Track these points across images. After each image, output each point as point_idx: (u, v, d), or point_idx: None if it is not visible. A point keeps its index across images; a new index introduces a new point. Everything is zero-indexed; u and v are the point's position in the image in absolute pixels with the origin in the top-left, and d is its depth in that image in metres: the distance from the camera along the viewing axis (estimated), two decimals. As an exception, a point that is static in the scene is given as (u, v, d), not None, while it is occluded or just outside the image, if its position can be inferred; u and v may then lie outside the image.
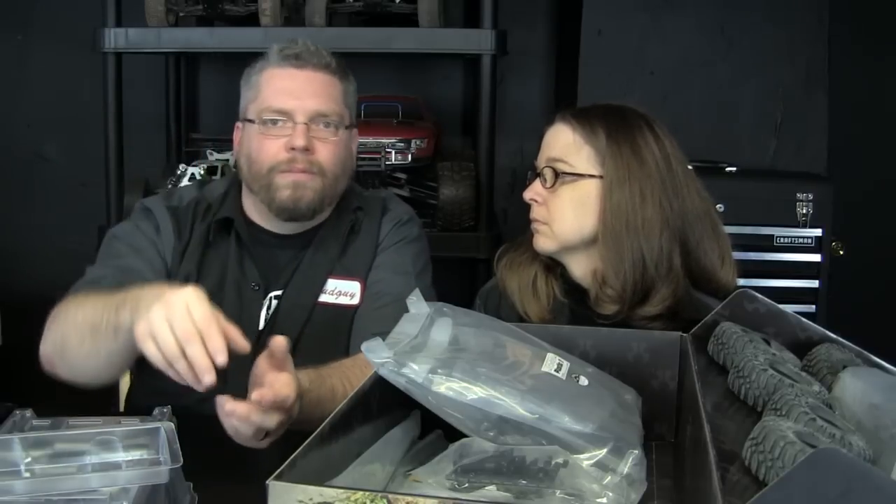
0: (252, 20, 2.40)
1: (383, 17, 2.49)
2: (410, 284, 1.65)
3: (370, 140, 2.38)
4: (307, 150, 1.61)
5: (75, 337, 1.39)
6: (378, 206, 1.76)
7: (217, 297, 1.62)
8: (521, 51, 2.79)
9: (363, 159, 2.37)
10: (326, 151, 1.64)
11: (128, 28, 2.38)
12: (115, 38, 2.37)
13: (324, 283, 1.67)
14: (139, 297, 1.28)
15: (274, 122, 1.63)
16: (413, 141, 2.41)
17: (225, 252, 1.68)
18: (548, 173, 1.56)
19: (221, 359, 1.20)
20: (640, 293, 1.52)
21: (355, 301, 1.68)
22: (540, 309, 1.59)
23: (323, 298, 1.67)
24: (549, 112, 2.97)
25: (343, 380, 1.45)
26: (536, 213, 1.57)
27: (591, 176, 1.54)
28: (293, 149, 1.61)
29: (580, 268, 1.60)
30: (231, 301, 1.64)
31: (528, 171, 1.64)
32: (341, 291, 1.68)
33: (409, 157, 2.41)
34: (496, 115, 2.43)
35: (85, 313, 1.39)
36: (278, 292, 1.67)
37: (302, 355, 1.48)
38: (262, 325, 1.65)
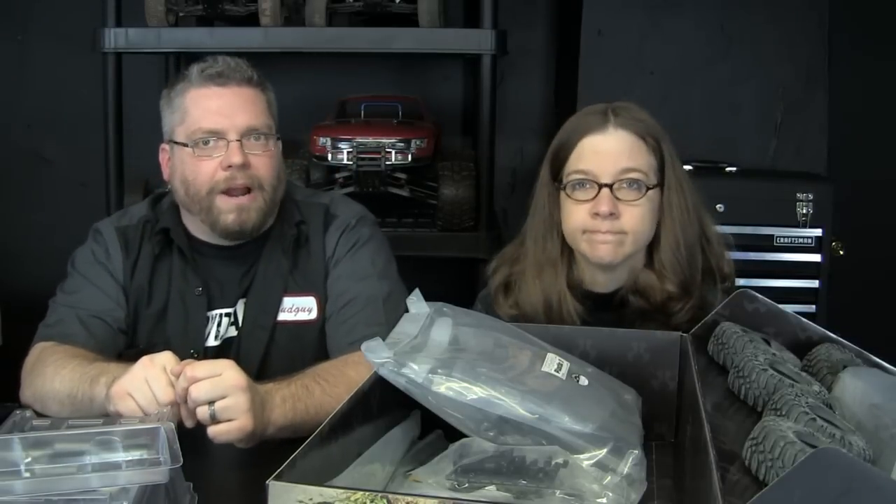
0: (252, 20, 2.40)
1: (383, 17, 2.49)
2: (375, 286, 1.68)
3: (370, 140, 2.38)
4: (244, 166, 1.61)
5: (55, 403, 1.48)
6: (320, 214, 1.74)
7: (165, 308, 1.67)
8: (521, 51, 2.79)
9: (363, 159, 2.37)
10: (263, 165, 1.64)
11: (128, 28, 2.38)
12: (115, 38, 2.37)
13: (280, 301, 1.67)
14: (111, 373, 1.39)
15: (206, 142, 1.62)
16: (413, 141, 2.40)
17: (170, 264, 1.69)
18: (633, 186, 1.52)
19: (189, 424, 1.32)
20: (694, 283, 1.55)
21: (314, 316, 1.68)
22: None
23: (282, 317, 1.67)
24: (550, 112, 2.98)
25: (317, 379, 1.47)
26: (612, 226, 1.51)
27: (657, 185, 1.55)
28: (230, 167, 1.61)
29: (608, 276, 1.59)
30: (177, 310, 1.67)
31: (558, 185, 1.57)
32: (299, 308, 1.68)
33: (409, 157, 2.40)
34: (496, 115, 2.43)
35: (62, 382, 1.47)
36: (227, 310, 1.68)
37: (269, 376, 1.51)
38: (213, 341, 1.66)
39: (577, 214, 1.54)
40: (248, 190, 1.63)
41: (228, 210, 1.63)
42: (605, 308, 1.59)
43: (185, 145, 1.63)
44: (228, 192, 1.62)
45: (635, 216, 1.52)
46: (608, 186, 1.51)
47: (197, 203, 1.64)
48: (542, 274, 1.59)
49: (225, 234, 1.66)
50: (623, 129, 1.54)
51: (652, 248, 1.57)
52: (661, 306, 1.55)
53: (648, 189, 1.52)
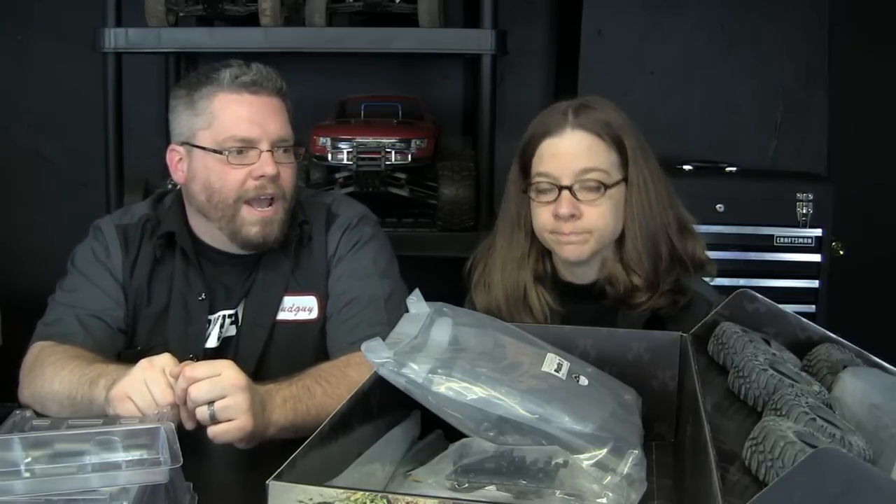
0: (252, 20, 2.40)
1: (383, 17, 2.49)
2: (376, 285, 1.68)
3: (370, 140, 2.38)
4: (275, 176, 1.61)
5: (54, 404, 1.48)
6: (322, 213, 1.74)
7: (165, 310, 1.67)
8: (521, 51, 2.79)
9: (363, 159, 2.37)
10: (288, 175, 1.65)
11: (128, 28, 2.38)
12: (115, 38, 2.37)
13: (280, 301, 1.67)
14: (111, 375, 1.39)
15: (239, 151, 1.61)
16: (413, 141, 2.40)
17: (171, 266, 1.69)
18: (591, 186, 1.54)
19: (189, 426, 1.32)
20: (658, 274, 1.57)
21: (314, 315, 1.68)
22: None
23: (282, 316, 1.67)
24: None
25: (318, 380, 1.47)
26: (574, 227, 1.54)
27: (621, 181, 1.57)
28: (262, 176, 1.60)
29: (581, 269, 1.61)
30: (177, 313, 1.66)
31: (526, 185, 1.60)
32: (299, 307, 1.68)
33: (409, 157, 2.40)
34: (496, 115, 2.43)
35: (62, 383, 1.47)
36: (230, 311, 1.68)
37: (267, 375, 1.52)
38: (214, 342, 1.66)
39: (542, 216, 1.57)
40: (272, 200, 1.63)
41: (253, 222, 1.62)
42: (585, 299, 1.61)
43: (215, 151, 1.61)
44: (252, 202, 1.62)
45: (596, 215, 1.55)
46: (568, 188, 1.54)
47: (220, 210, 1.63)
48: (506, 269, 1.63)
49: (245, 245, 1.65)
50: (581, 130, 1.56)
51: (619, 241, 1.60)
52: (624, 297, 1.58)
53: (608, 188, 1.54)
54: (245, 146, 1.61)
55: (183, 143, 1.66)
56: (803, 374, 1.20)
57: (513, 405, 1.10)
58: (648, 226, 1.57)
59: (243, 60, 1.67)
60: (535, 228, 1.60)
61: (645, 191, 1.57)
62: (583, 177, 1.54)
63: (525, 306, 1.60)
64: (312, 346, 1.67)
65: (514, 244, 1.63)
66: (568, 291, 1.63)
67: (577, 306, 1.61)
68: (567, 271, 1.64)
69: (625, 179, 1.57)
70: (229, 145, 1.61)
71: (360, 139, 2.38)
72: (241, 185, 1.61)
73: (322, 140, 2.41)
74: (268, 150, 1.61)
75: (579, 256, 1.57)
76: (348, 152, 2.38)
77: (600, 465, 1.08)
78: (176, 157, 1.68)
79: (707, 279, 1.67)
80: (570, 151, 1.55)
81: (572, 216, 1.54)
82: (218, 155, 1.61)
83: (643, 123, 1.64)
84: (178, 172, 1.69)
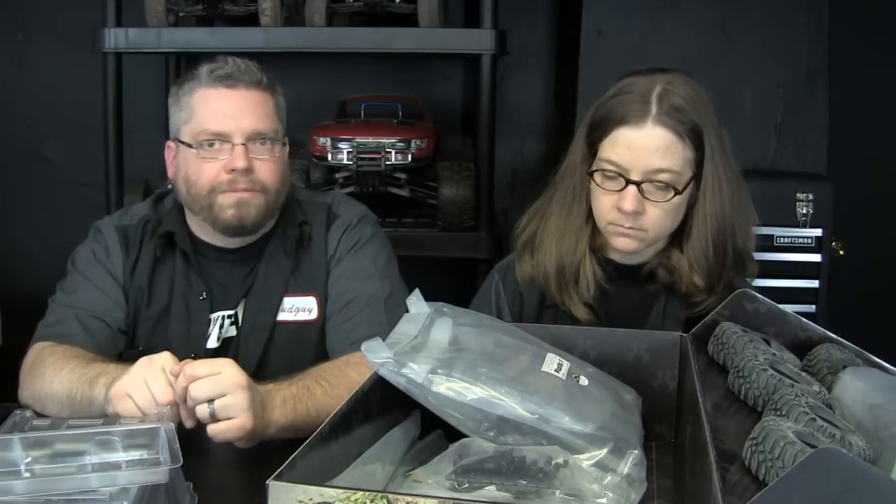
0: (252, 20, 2.40)
1: (383, 17, 2.49)
2: (376, 286, 1.68)
3: (370, 140, 2.38)
4: (248, 170, 1.61)
5: (54, 404, 1.48)
6: (323, 213, 1.74)
7: (166, 311, 1.67)
8: (521, 51, 2.79)
9: (363, 159, 2.37)
10: (267, 170, 1.64)
11: (128, 28, 2.39)
12: (115, 38, 2.37)
13: (280, 301, 1.68)
14: (110, 374, 1.40)
15: (211, 144, 1.62)
16: (413, 141, 2.41)
17: (172, 266, 1.69)
18: (660, 186, 1.46)
19: (189, 425, 1.32)
20: (720, 277, 1.53)
21: (314, 316, 1.69)
22: (581, 299, 1.56)
23: (282, 317, 1.68)
24: (550, 112, 2.97)
25: (319, 380, 1.47)
26: (634, 223, 1.48)
27: (691, 180, 1.50)
28: (233, 170, 1.61)
29: (634, 256, 1.57)
30: (179, 313, 1.67)
31: (588, 172, 1.52)
32: (299, 308, 1.69)
33: (409, 157, 2.40)
34: (496, 115, 2.43)
35: (61, 383, 1.47)
36: (230, 312, 1.68)
37: (267, 375, 1.51)
38: (214, 343, 1.66)
39: (604, 205, 1.51)
40: (246, 190, 1.62)
41: (228, 205, 1.62)
42: (630, 279, 1.58)
43: (190, 145, 1.63)
44: (226, 192, 1.62)
45: (657, 216, 1.49)
46: (636, 184, 1.46)
47: (198, 202, 1.64)
48: (563, 240, 1.57)
49: (225, 230, 1.65)
50: (661, 127, 1.46)
51: (682, 234, 1.54)
52: (685, 294, 1.54)
53: (677, 193, 1.47)
54: (217, 139, 1.62)
55: (174, 139, 1.69)
56: (803, 374, 1.20)
57: (513, 405, 1.10)
58: (719, 228, 1.51)
59: (231, 57, 1.67)
60: (593, 212, 1.54)
61: (719, 192, 1.51)
62: (654, 176, 1.46)
63: (573, 280, 1.56)
64: (312, 346, 1.67)
65: (575, 214, 1.57)
66: (614, 270, 1.59)
67: (623, 289, 1.58)
68: (616, 252, 1.58)
69: (696, 177, 1.50)
70: (202, 139, 1.62)
71: (360, 139, 2.38)
72: (214, 178, 1.62)
73: (322, 140, 2.41)
74: (241, 144, 1.61)
75: (633, 250, 1.52)
76: (348, 152, 2.38)
77: (600, 465, 1.08)
78: (170, 154, 1.71)
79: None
80: (646, 148, 1.46)
81: (635, 212, 1.47)
82: (194, 149, 1.62)
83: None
84: (170, 167, 1.71)
